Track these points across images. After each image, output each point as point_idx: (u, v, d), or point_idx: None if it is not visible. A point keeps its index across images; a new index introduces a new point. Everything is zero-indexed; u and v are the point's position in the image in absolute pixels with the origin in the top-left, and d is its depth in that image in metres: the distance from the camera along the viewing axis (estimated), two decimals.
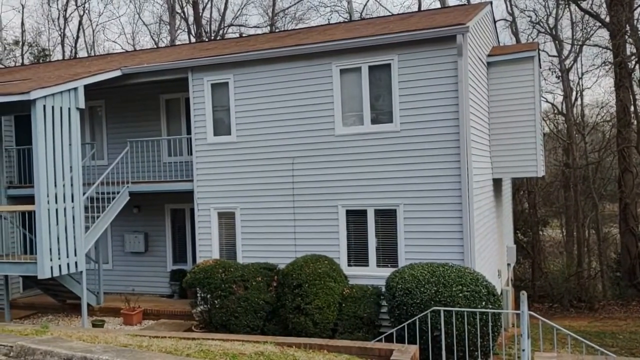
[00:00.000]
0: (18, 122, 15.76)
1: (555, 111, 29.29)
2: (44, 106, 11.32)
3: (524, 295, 7.75)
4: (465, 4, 23.29)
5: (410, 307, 9.61)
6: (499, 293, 11.20)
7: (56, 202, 11.54)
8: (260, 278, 11.37)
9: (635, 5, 23.87)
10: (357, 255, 11.76)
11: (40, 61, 33.88)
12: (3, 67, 27.53)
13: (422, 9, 29.78)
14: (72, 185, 11.95)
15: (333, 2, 38.50)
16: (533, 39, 27.32)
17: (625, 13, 23.04)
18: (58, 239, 11.55)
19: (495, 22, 16.70)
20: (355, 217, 11.75)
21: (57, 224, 11.54)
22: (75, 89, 12.10)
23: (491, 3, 14.88)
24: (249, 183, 12.57)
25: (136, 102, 15.21)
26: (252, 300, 11.05)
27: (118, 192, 13.26)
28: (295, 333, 10.53)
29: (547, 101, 28.89)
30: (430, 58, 11.09)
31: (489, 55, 13.74)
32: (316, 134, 11.99)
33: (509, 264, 16.74)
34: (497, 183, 14.82)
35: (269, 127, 12.38)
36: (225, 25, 34.29)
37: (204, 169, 13.00)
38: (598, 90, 53.31)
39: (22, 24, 39.31)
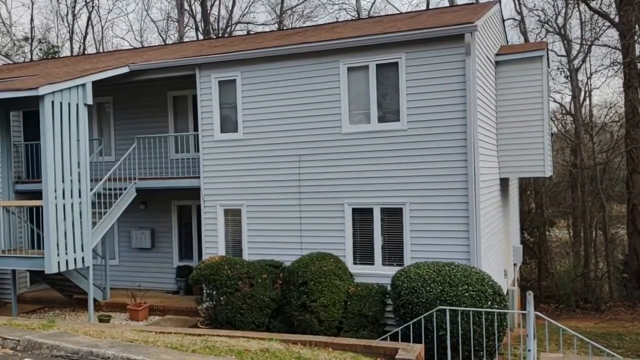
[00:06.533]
0: (26, 118, 15.85)
1: (564, 111, 29.15)
2: (53, 102, 11.38)
3: (530, 295, 7.72)
4: (474, 3, 23.20)
5: (416, 306, 9.59)
6: (505, 293, 11.15)
7: (64, 197, 11.60)
8: (266, 275, 11.39)
9: None
10: (363, 254, 11.75)
11: (49, 57, 34.00)
12: (12, 63, 27.63)
13: (430, 7, 29.68)
14: (79, 181, 12.00)
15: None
16: (542, 39, 27.18)
17: (635, 13, 22.87)
18: (65, 234, 11.61)
19: (503, 21, 16.61)
20: (361, 216, 11.75)
21: (65, 219, 11.61)
22: (84, 85, 12.16)
23: (500, 2, 14.79)
24: (256, 180, 12.59)
25: (144, 99, 15.26)
26: (258, 297, 11.07)
27: (125, 188, 13.32)
28: (300, 330, 10.55)
29: (555, 101, 28.77)
30: (438, 57, 11.05)
31: (497, 54, 13.67)
32: (323, 132, 11.98)
33: (515, 264, 16.68)
34: (504, 183, 14.76)
35: (275, 125, 12.38)
36: (233, 22, 34.34)
37: (210, 166, 13.02)
38: (607, 91, 53.04)
39: (32, 20, 39.60)
